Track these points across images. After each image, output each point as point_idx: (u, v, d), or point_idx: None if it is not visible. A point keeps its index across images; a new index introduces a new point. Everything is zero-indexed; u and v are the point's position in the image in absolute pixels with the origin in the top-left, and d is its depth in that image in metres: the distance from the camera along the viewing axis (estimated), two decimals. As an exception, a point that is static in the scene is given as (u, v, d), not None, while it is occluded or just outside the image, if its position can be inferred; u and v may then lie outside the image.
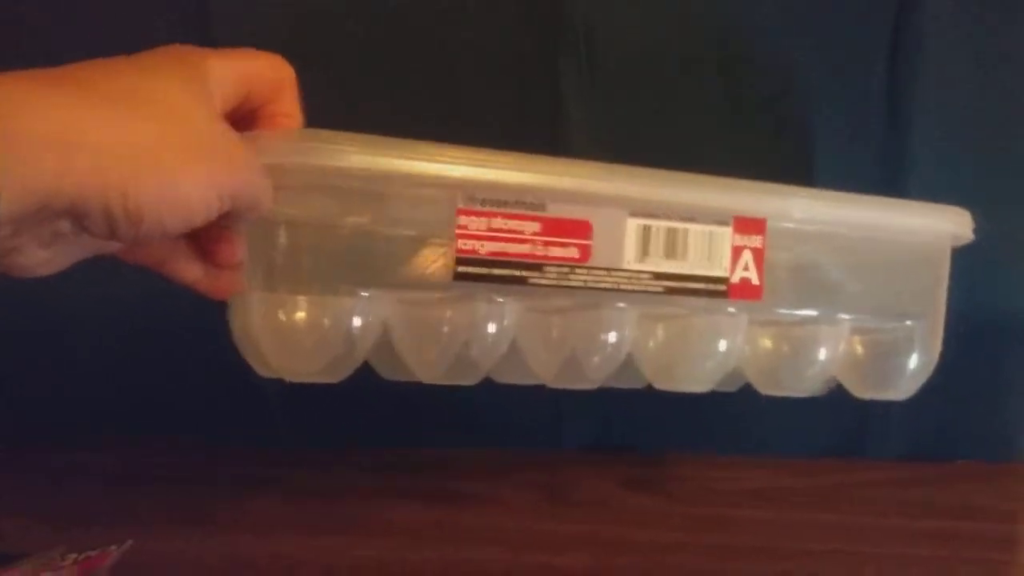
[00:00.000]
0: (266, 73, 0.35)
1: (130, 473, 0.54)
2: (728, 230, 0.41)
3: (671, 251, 0.40)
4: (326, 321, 0.38)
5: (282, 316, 0.37)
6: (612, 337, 0.41)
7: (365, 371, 0.41)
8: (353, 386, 0.40)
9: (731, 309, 0.42)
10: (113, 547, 0.43)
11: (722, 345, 0.43)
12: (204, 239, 0.35)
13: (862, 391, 0.47)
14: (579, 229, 0.39)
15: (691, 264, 0.41)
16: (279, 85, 0.35)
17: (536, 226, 0.38)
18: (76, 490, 0.51)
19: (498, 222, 0.37)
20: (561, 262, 0.38)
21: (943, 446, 0.62)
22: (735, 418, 0.58)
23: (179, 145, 0.29)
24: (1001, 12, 0.57)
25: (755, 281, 0.42)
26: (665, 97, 0.56)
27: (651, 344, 0.43)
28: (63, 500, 0.50)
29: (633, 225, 0.40)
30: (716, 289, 0.41)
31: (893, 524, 0.51)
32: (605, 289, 0.39)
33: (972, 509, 0.54)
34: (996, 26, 0.57)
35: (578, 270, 0.39)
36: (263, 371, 0.39)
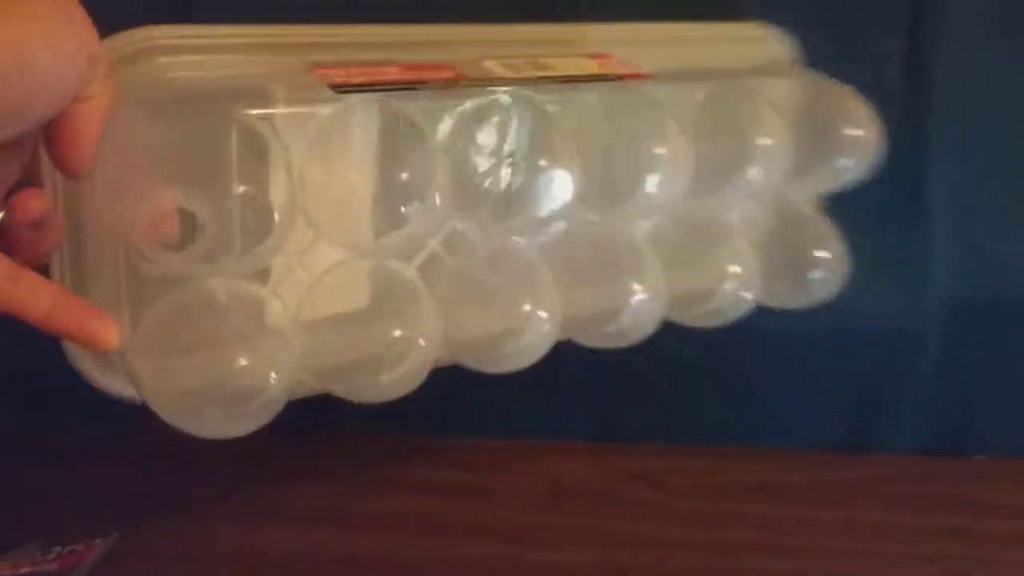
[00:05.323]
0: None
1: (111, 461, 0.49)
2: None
3: (539, 68, 0.41)
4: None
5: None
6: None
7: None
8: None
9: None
10: (98, 540, 0.41)
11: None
12: None
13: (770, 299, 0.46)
14: (441, 68, 0.39)
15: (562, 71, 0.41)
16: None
17: (395, 69, 0.38)
18: (53, 481, 0.47)
19: (356, 71, 0.38)
20: (436, 82, 0.38)
21: (955, 441, 0.58)
22: (738, 410, 0.55)
23: None
24: None
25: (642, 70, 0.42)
26: None
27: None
28: (39, 491, 0.46)
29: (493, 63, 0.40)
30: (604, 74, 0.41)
31: (905, 520, 0.49)
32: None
33: (987, 506, 0.52)
34: None
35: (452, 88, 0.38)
36: None
